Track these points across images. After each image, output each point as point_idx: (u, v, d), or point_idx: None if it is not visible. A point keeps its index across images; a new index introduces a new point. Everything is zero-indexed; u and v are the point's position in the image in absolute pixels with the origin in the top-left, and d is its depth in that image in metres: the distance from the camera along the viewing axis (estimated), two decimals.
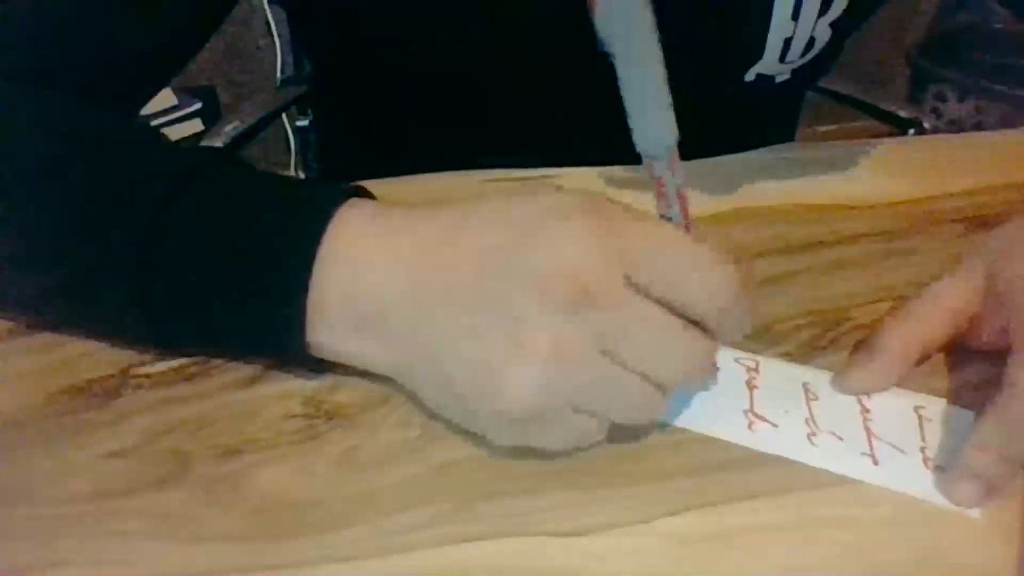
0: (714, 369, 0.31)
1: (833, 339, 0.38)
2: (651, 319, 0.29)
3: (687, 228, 0.32)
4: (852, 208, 0.48)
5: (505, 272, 0.29)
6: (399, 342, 0.32)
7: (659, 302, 0.29)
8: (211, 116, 1.61)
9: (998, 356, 0.34)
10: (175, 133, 1.57)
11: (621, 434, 0.33)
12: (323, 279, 0.32)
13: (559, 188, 0.31)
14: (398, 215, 0.33)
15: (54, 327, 0.38)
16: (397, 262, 0.31)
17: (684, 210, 0.31)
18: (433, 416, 0.33)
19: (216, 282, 0.33)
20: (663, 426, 0.33)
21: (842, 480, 0.31)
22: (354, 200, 0.33)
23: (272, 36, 1.71)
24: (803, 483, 0.31)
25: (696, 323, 0.30)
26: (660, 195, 0.31)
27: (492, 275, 0.29)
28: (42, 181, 0.35)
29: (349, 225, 0.32)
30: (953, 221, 0.46)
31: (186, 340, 0.36)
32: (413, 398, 0.34)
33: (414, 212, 0.33)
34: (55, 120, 0.38)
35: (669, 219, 0.31)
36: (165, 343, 0.36)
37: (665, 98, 0.29)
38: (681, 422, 0.33)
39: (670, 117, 0.29)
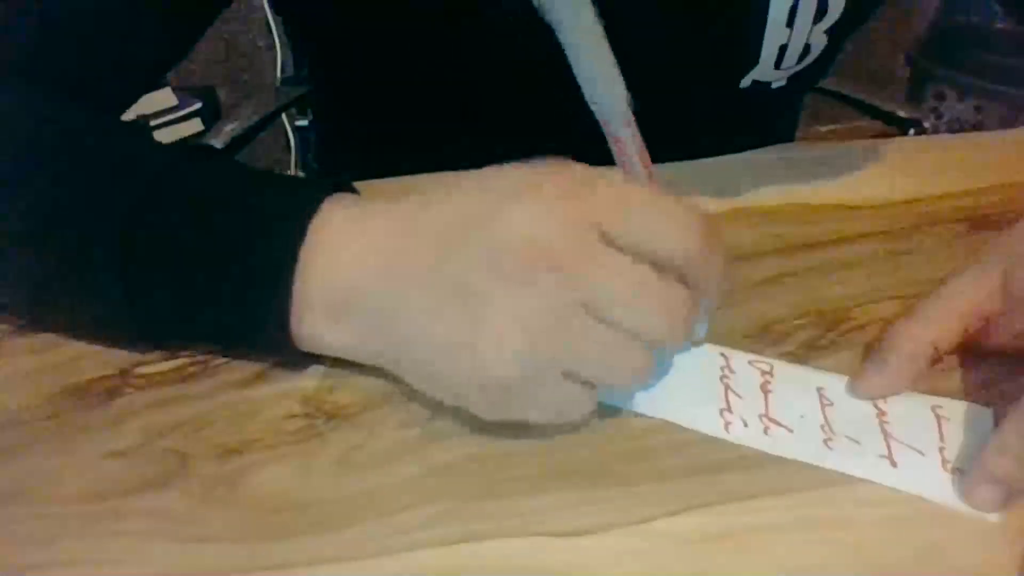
0: (694, 319, 0.31)
1: (833, 339, 0.38)
2: (625, 271, 0.29)
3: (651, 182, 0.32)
4: (852, 208, 0.48)
5: (469, 249, 0.29)
6: (374, 327, 0.32)
7: (632, 255, 0.29)
8: (211, 116, 1.61)
9: (1009, 355, 0.34)
10: (175, 133, 1.57)
11: (621, 433, 0.33)
12: (306, 271, 0.32)
13: (525, 163, 0.31)
14: (374, 204, 0.33)
15: (47, 328, 0.38)
16: (371, 246, 0.32)
17: (646, 166, 0.31)
18: (433, 416, 0.33)
19: (202, 275, 0.33)
20: (666, 427, 0.33)
21: (842, 480, 0.31)
22: (338, 194, 0.34)
23: (272, 36, 1.71)
24: (803, 483, 0.31)
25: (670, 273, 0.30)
26: (621, 155, 0.31)
27: (456, 253, 0.30)
28: (26, 178, 0.35)
29: (333, 215, 0.33)
30: (953, 221, 0.46)
31: (175, 334, 0.36)
32: (411, 394, 0.34)
33: (392, 201, 0.33)
34: (40, 117, 0.38)
35: (634, 177, 0.32)
36: (155, 339, 0.36)
37: (609, 58, 0.29)
38: (694, 425, 0.33)
39: (617, 76, 0.29)
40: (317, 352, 0.34)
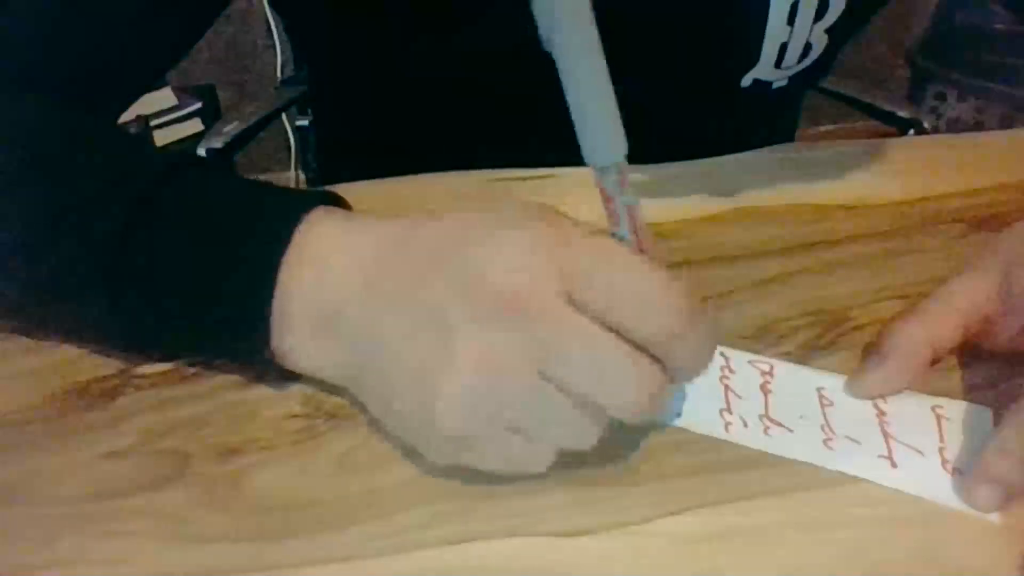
0: (663, 404, 0.28)
1: (833, 339, 0.38)
2: (590, 340, 0.27)
3: (639, 248, 0.29)
4: (852, 208, 0.48)
5: (443, 278, 0.28)
6: (348, 347, 0.31)
7: (604, 324, 0.27)
8: (211, 116, 1.62)
9: (1009, 355, 0.34)
10: (175, 133, 1.57)
11: (621, 434, 0.33)
12: (289, 282, 0.32)
13: (521, 201, 0.30)
14: (364, 220, 0.33)
15: (33, 332, 0.38)
16: (355, 266, 0.31)
17: (636, 229, 0.29)
18: None
19: (185, 286, 0.33)
20: (666, 427, 0.33)
21: (842, 480, 0.31)
22: (324, 207, 0.33)
23: (272, 36, 1.71)
24: (803, 483, 0.31)
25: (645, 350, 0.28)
26: (609, 212, 0.29)
27: (431, 281, 0.29)
28: (13, 186, 0.35)
29: (316, 229, 0.32)
30: (953, 221, 0.46)
31: (159, 346, 0.36)
32: None
33: (379, 218, 0.33)
34: (37, 124, 0.38)
35: (621, 238, 0.29)
36: (140, 349, 0.36)
37: (611, 108, 0.27)
38: (694, 426, 0.33)
39: (617, 129, 0.28)
40: (297, 371, 0.34)
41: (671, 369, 0.28)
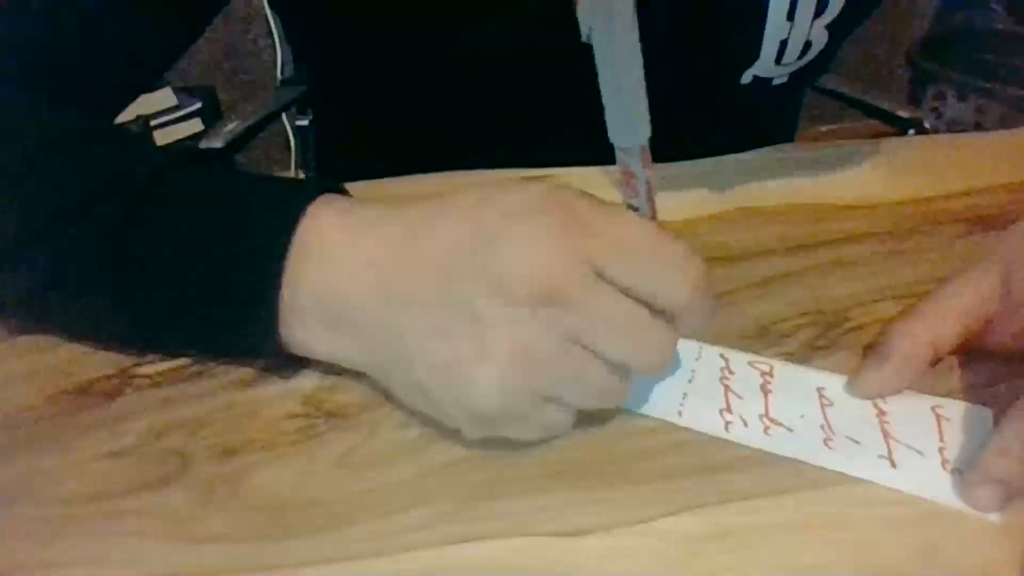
0: (675, 356, 0.31)
1: (833, 339, 0.38)
2: (619, 311, 0.29)
3: (653, 217, 0.32)
4: (852, 208, 0.48)
5: (470, 273, 0.29)
6: (369, 341, 0.32)
7: (626, 293, 0.29)
8: (211, 116, 1.62)
9: (1009, 355, 0.34)
10: (175, 133, 1.57)
11: (622, 433, 0.33)
12: (295, 276, 0.32)
13: (528, 181, 0.31)
14: (369, 212, 0.33)
15: (42, 332, 0.38)
16: (366, 261, 0.31)
17: (652, 203, 0.32)
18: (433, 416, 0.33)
19: (190, 281, 0.33)
20: (668, 424, 0.33)
21: (842, 480, 0.31)
22: (326, 196, 0.33)
23: (272, 36, 1.71)
24: (803, 483, 0.31)
25: (659, 311, 0.30)
26: (629, 186, 0.32)
27: (457, 276, 0.29)
28: (21, 182, 0.35)
29: (320, 222, 0.32)
30: (953, 221, 0.46)
31: (164, 340, 0.36)
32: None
33: (385, 209, 0.33)
34: (37, 122, 0.38)
35: (636, 208, 0.32)
36: (144, 344, 0.36)
37: (641, 96, 0.29)
38: (695, 425, 0.33)
39: (644, 115, 0.29)
40: (309, 357, 0.34)
41: (681, 327, 0.31)
